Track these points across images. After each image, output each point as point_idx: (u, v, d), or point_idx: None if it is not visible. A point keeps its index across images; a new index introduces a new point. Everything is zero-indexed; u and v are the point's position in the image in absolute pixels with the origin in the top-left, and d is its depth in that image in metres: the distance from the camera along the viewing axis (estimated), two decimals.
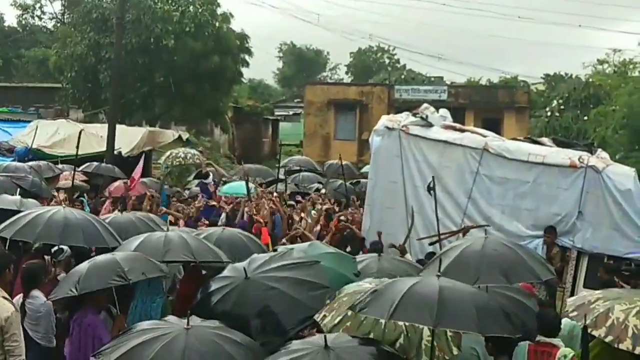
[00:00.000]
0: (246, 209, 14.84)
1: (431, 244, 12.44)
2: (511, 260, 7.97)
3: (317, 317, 6.55)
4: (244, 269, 7.05)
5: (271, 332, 6.54)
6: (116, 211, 14.20)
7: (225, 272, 7.33)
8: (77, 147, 17.64)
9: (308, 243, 9.44)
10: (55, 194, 16.59)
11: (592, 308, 7.07)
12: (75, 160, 18.02)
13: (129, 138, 26.00)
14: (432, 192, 12.36)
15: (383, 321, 6.15)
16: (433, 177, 12.57)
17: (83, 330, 7.61)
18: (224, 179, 23.69)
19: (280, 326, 6.61)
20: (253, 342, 5.82)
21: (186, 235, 9.16)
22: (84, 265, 7.96)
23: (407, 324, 6.12)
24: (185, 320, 5.63)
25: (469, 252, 8.06)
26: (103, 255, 8.28)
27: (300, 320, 6.71)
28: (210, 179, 22.53)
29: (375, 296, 5.78)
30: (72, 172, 17.90)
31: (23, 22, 55.46)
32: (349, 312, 6.27)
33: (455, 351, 6.30)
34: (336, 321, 6.29)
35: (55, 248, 10.45)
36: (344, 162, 23.89)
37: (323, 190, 20.42)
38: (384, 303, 5.58)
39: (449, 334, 6.32)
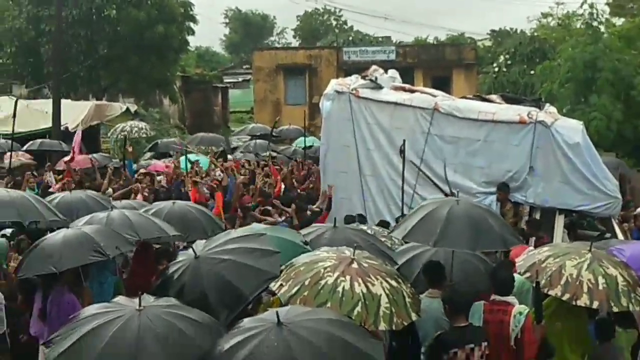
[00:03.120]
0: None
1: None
2: (480, 226, 7.86)
3: (274, 287, 6.48)
4: (193, 250, 6.97)
5: (230, 302, 6.44)
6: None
7: (177, 258, 7.25)
8: (14, 119, 17.44)
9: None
10: None
11: (544, 267, 7.15)
12: (15, 137, 17.80)
13: (75, 113, 25.55)
14: (402, 154, 12.51)
15: (340, 289, 6.10)
16: (404, 140, 12.80)
17: (63, 310, 7.44)
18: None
19: (238, 293, 6.50)
20: (208, 318, 5.69)
21: (130, 213, 9.02)
22: (54, 240, 7.75)
23: (364, 291, 6.12)
24: (137, 301, 5.48)
25: (437, 214, 7.93)
26: (71, 230, 8.08)
27: (257, 285, 6.62)
28: None
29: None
30: (16, 152, 17.66)
31: None
32: (306, 282, 6.23)
33: (414, 317, 6.29)
34: (293, 291, 6.23)
35: (9, 231, 10.27)
36: (293, 126, 24.22)
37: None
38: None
39: (407, 299, 6.31)
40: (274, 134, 23.04)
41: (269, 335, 4.90)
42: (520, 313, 6.96)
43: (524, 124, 12.64)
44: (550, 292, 6.97)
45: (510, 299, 7.19)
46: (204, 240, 7.43)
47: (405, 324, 6.18)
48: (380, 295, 6.13)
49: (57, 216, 9.09)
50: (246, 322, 5.30)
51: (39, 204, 9.22)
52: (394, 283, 6.37)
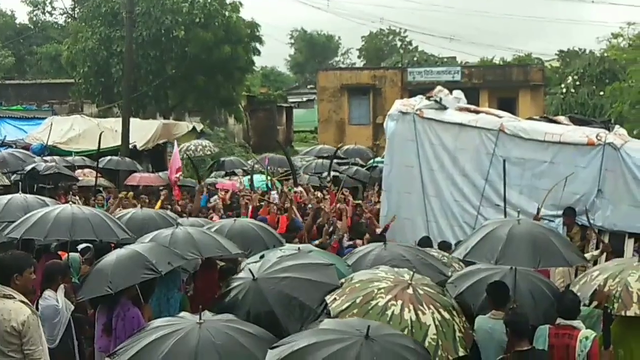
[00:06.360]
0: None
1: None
2: (541, 244, 7.70)
3: (328, 299, 6.53)
4: (250, 271, 7.01)
5: (298, 316, 6.53)
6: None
7: (237, 276, 7.30)
8: (99, 144, 18.00)
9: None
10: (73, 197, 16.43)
11: (608, 290, 7.00)
12: (85, 154, 18.32)
13: (143, 131, 26.05)
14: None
15: (389, 313, 6.12)
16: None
17: (128, 323, 7.56)
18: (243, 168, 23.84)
19: (305, 307, 6.58)
20: (266, 333, 5.73)
21: (194, 231, 9.03)
22: (108, 262, 7.89)
23: (412, 319, 6.07)
24: (198, 316, 5.58)
25: (498, 232, 7.84)
26: (124, 248, 8.20)
27: (320, 297, 6.68)
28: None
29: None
30: (91, 170, 18.16)
31: (34, 18, 55.43)
32: (358, 300, 6.27)
33: (461, 352, 6.17)
34: (344, 306, 6.28)
35: (83, 246, 10.50)
36: (358, 146, 24.23)
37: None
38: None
39: (457, 334, 6.22)
40: (341, 155, 23.08)
41: (358, 349, 4.83)
42: (587, 338, 6.81)
43: (593, 145, 12.43)
44: (628, 313, 6.80)
45: (576, 323, 7.03)
46: (258, 264, 7.43)
47: (451, 358, 6.08)
48: (429, 325, 6.11)
49: (127, 234, 9.24)
50: (327, 323, 5.34)
51: (111, 222, 9.37)
52: (446, 315, 6.32)
